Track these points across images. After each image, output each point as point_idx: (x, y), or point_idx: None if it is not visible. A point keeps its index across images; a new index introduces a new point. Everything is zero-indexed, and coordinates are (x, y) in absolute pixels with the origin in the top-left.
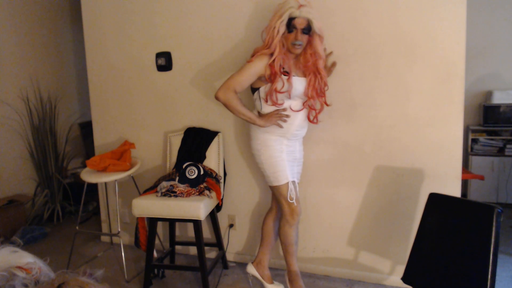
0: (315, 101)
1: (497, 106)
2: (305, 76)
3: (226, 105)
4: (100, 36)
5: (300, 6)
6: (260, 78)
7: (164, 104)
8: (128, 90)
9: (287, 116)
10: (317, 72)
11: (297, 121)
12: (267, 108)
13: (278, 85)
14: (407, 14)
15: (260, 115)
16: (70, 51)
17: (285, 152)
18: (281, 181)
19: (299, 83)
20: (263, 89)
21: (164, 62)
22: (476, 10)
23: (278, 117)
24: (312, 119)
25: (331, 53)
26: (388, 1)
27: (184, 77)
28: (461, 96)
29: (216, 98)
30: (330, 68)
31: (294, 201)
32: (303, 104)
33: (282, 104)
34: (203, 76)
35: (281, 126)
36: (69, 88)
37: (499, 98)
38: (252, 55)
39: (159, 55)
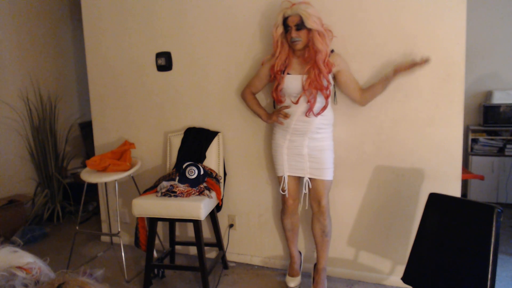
0: (314, 96)
1: (497, 106)
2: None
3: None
4: (100, 36)
5: (293, 5)
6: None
7: (164, 104)
8: (128, 90)
9: (286, 114)
10: (315, 66)
11: (296, 116)
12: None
13: (275, 84)
14: (408, 14)
15: None
16: (70, 51)
17: (287, 147)
18: (278, 173)
19: (292, 81)
20: None
21: (164, 62)
22: (476, 10)
23: (277, 114)
24: (308, 115)
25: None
26: (388, 0)
27: (184, 77)
28: (461, 96)
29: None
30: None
31: (286, 193)
32: (298, 99)
33: (283, 102)
34: (203, 76)
35: (280, 123)
36: (69, 88)
37: (499, 98)
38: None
39: (159, 55)
